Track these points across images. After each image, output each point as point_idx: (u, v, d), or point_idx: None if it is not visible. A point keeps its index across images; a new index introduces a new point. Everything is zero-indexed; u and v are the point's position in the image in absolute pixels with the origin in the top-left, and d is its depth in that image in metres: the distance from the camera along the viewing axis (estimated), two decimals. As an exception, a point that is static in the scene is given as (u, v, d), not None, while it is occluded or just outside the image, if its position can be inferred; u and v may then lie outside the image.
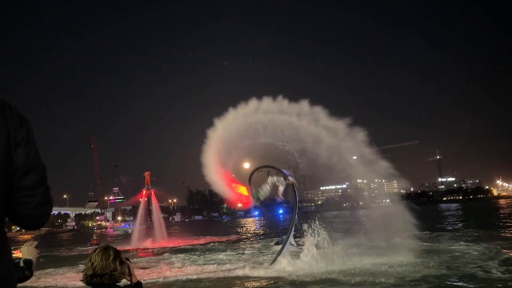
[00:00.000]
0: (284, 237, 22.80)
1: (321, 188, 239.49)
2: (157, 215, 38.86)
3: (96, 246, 3.15)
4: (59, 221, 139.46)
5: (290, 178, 17.81)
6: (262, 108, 18.02)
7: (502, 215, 47.06)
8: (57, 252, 32.17)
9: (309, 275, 13.62)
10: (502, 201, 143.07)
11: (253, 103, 18.02)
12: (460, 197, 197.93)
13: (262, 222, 74.02)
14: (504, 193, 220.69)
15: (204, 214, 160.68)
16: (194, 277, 14.64)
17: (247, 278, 13.64)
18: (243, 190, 18.02)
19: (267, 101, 18.25)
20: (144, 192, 39.16)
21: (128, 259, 3.06)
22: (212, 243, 30.34)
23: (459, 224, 35.45)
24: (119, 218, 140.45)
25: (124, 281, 3.01)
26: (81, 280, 2.98)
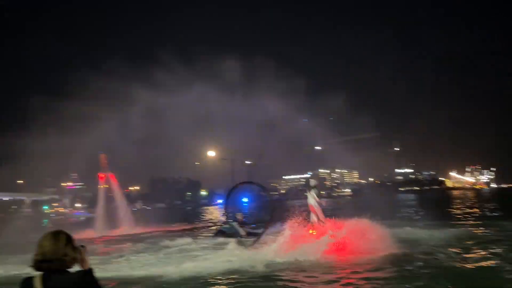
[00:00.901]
0: (226, 225, 22.95)
1: (284, 177, 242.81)
2: (120, 201, 37.39)
3: (47, 231, 3.01)
4: (14, 207, 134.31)
5: None
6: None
7: (455, 205, 49.41)
8: (9, 239, 30.95)
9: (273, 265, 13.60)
10: (455, 192, 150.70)
11: None
12: (417, 188, 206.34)
13: (224, 210, 74.27)
14: (457, 185, 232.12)
15: (167, 202, 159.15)
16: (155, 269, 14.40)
17: (213, 271, 13.35)
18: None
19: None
20: (101, 176, 37.18)
21: (83, 246, 2.97)
22: (174, 232, 30.10)
23: (416, 213, 36.95)
24: (78, 205, 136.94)
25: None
26: (30, 266, 2.86)
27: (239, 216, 22.39)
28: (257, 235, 21.89)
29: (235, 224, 21.73)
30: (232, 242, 17.77)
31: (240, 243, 16.62)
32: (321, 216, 16.41)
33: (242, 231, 21.40)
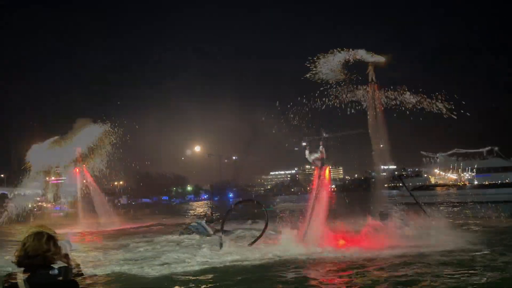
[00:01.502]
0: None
1: (271, 172, 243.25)
2: (94, 195, 36.67)
3: (30, 227, 3.01)
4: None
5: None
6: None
7: (438, 201, 50.30)
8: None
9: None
10: (438, 189, 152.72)
11: None
12: (400, 184, 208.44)
13: (210, 205, 74.24)
14: (440, 181, 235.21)
15: (152, 197, 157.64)
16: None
17: (195, 268, 13.25)
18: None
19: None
20: (77, 170, 36.65)
21: (68, 242, 2.97)
22: (157, 227, 30.04)
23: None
24: (62, 199, 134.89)
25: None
26: (13, 262, 2.86)
27: (209, 212, 22.30)
28: (226, 232, 21.96)
29: (203, 222, 21.60)
30: (210, 239, 17.71)
31: (211, 241, 16.53)
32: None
33: (210, 230, 21.15)
